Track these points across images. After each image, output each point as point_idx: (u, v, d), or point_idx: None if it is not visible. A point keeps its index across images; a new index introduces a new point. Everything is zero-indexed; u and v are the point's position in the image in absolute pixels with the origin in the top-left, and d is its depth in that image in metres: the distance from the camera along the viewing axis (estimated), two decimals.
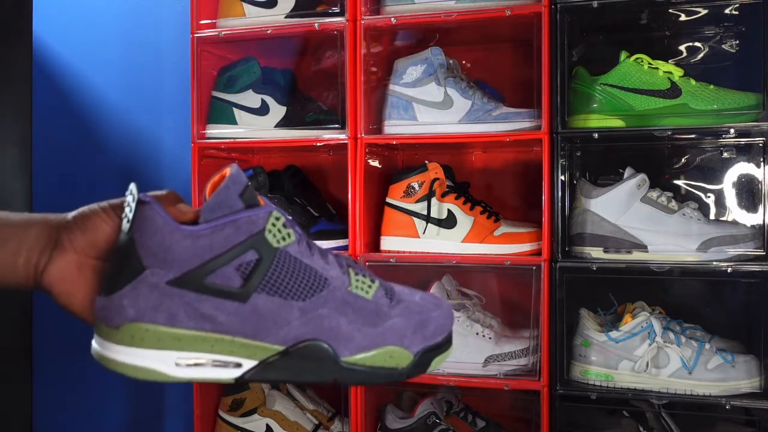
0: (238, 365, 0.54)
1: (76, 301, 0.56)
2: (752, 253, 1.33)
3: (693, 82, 1.36)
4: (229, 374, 0.55)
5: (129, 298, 0.53)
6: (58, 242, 0.55)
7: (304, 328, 0.55)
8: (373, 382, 0.58)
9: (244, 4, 1.54)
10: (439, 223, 1.47)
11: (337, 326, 0.56)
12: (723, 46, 1.51)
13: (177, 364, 0.53)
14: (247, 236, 0.54)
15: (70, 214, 0.57)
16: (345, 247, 1.49)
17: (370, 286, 0.59)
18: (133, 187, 0.55)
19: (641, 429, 1.39)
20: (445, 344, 0.60)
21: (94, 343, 0.55)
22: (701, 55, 1.53)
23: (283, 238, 0.56)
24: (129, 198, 0.55)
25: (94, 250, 0.56)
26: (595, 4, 1.34)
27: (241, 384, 0.57)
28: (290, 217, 0.57)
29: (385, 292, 0.59)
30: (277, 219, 0.56)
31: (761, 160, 1.38)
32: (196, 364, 0.54)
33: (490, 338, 1.45)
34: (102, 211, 0.56)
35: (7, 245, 0.55)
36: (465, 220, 1.47)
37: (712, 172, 1.52)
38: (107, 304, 0.54)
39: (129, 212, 0.54)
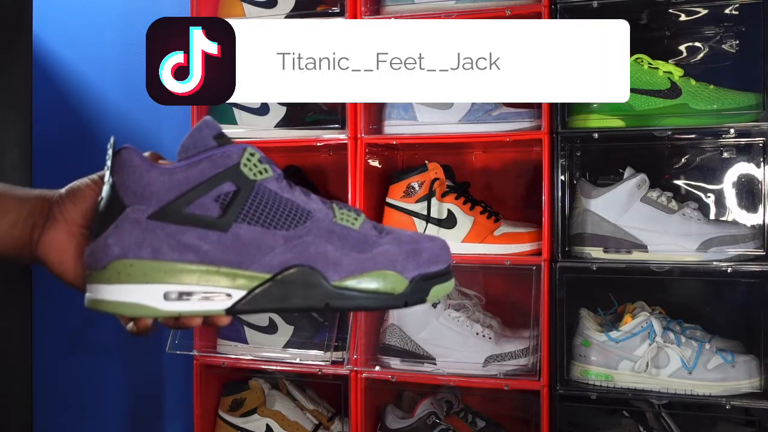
0: (228, 296, 0.55)
1: (69, 269, 0.58)
2: (752, 253, 1.33)
3: (693, 82, 1.36)
4: (219, 306, 0.55)
5: (113, 237, 0.54)
6: (50, 215, 0.58)
7: (289, 254, 0.55)
8: (370, 308, 0.58)
9: (244, 4, 1.55)
10: (439, 223, 1.47)
11: (323, 252, 0.56)
12: (723, 46, 1.51)
13: (165, 298, 0.54)
14: (222, 169, 0.55)
15: (63, 189, 0.60)
16: None
17: (356, 219, 0.59)
18: (112, 139, 0.57)
19: (641, 429, 1.39)
20: (445, 275, 0.59)
21: (86, 294, 0.56)
22: (701, 55, 1.53)
23: (260, 172, 0.57)
24: (109, 149, 0.56)
25: (84, 220, 0.58)
26: (595, 4, 1.34)
27: (232, 314, 0.56)
28: (266, 156, 0.58)
29: (373, 226, 0.60)
30: (252, 154, 0.57)
31: (761, 160, 1.38)
32: (184, 297, 0.54)
33: (490, 338, 1.45)
34: (91, 182, 0.59)
35: (6, 216, 0.58)
36: (465, 220, 1.47)
37: (712, 172, 1.52)
38: (94, 249, 0.55)
39: (108, 161, 0.56)
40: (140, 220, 0.54)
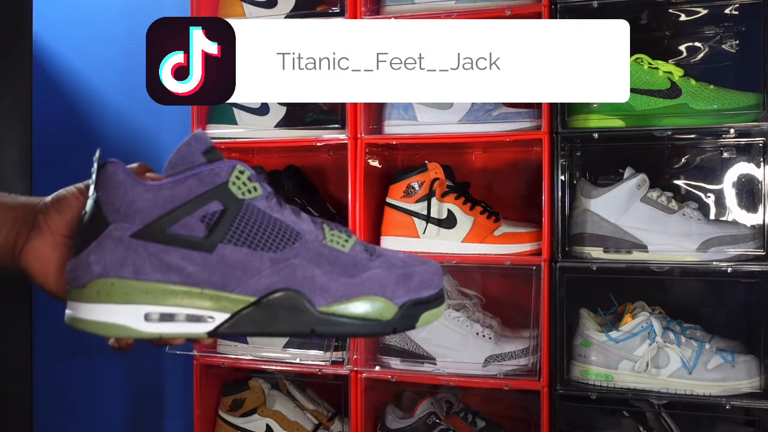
0: (211, 318, 0.53)
1: (52, 279, 0.57)
2: (752, 253, 1.33)
3: (693, 82, 1.36)
4: (202, 328, 0.54)
5: (95, 255, 0.53)
6: (35, 224, 0.56)
7: (275, 278, 0.54)
8: (357, 334, 0.56)
9: (244, 4, 1.55)
10: (439, 223, 1.47)
11: (311, 276, 0.54)
12: (723, 46, 1.51)
13: (147, 319, 0.53)
14: (210, 187, 0.54)
15: (48, 197, 0.58)
16: None
17: (346, 241, 0.57)
18: (98, 152, 0.55)
19: (641, 429, 1.39)
20: (436, 300, 0.57)
21: (66, 310, 0.55)
22: (701, 55, 1.53)
23: (249, 191, 0.55)
24: (94, 163, 0.55)
25: (69, 230, 0.56)
26: (595, 4, 1.34)
27: (214, 337, 0.55)
28: (256, 173, 0.56)
29: (364, 248, 0.58)
30: (242, 172, 0.55)
31: (761, 160, 1.38)
32: (165, 318, 0.53)
33: (490, 338, 1.45)
34: (77, 191, 0.58)
35: None
36: (465, 220, 1.47)
37: (712, 172, 1.52)
38: (74, 266, 0.54)
39: (93, 174, 0.55)
40: (123, 238, 0.53)
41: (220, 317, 0.54)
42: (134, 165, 0.58)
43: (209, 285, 0.53)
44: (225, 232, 0.54)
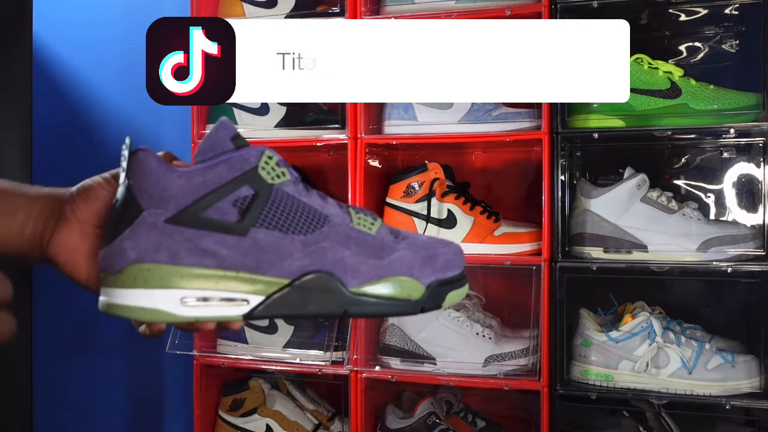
0: (245, 301, 0.54)
1: (81, 269, 0.57)
2: (752, 253, 1.33)
3: (693, 82, 1.36)
4: (237, 311, 0.54)
5: (129, 240, 0.53)
6: (62, 214, 0.57)
7: (307, 260, 0.55)
8: (387, 314, 0.57)
9: (244, 4, 1.55)
10: (439, 223, 1.47)
11: (341, 258, 0.56)
12: (723, 46, 1.51)
13: (183, 303, 0.53)
14: (240, 173, 0.55)
15: (74, 187, 0.59)
16: None
17: (372, 224, 0.59)
18: (127, 140, 0.56)
19: (641, 429, 1.39)
20: (460, 281, 0.59)
21: (101, 297, 0.55)
22: (701, 55, 1.53)
23: (278, 176, 0.56)
24: (124, 150, 0.56)
25: (97, 219, 0.57)
26: (595, 4, 1.34)
27: (249, 320, 0.56)
28: (284, 159, 0.57)
29: (389, 230, 0.59)
30: (270, 158, 0.57)
31: (761, 160, 1.38)
32: (201, 302, 0.54)
33: (490, 338, 1.45)
34: (103, 180, 0.58)
35: (17, 215, 0.57)
36: (465, 220, 1.47)
37: (712, 172, 1.52)
38: (109, 253, 0.54)
39: (124, 162, 0.55)
40: (157, 224, 0.53)
41: (255, 300, 0.54)
42: (161, 153, 0.59)
43: (244, 268, 0.54)
44: (257, 216, 0.55)
